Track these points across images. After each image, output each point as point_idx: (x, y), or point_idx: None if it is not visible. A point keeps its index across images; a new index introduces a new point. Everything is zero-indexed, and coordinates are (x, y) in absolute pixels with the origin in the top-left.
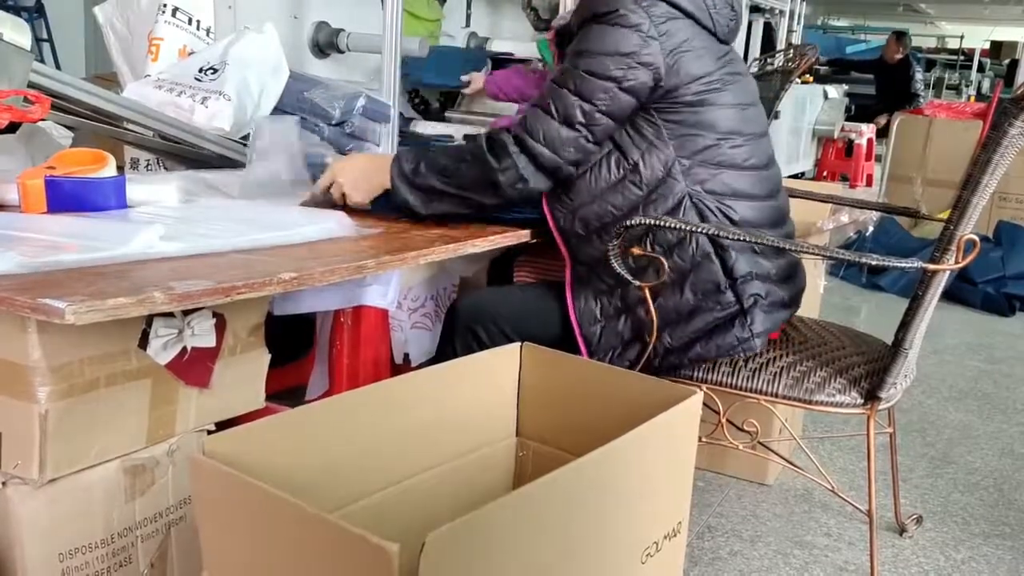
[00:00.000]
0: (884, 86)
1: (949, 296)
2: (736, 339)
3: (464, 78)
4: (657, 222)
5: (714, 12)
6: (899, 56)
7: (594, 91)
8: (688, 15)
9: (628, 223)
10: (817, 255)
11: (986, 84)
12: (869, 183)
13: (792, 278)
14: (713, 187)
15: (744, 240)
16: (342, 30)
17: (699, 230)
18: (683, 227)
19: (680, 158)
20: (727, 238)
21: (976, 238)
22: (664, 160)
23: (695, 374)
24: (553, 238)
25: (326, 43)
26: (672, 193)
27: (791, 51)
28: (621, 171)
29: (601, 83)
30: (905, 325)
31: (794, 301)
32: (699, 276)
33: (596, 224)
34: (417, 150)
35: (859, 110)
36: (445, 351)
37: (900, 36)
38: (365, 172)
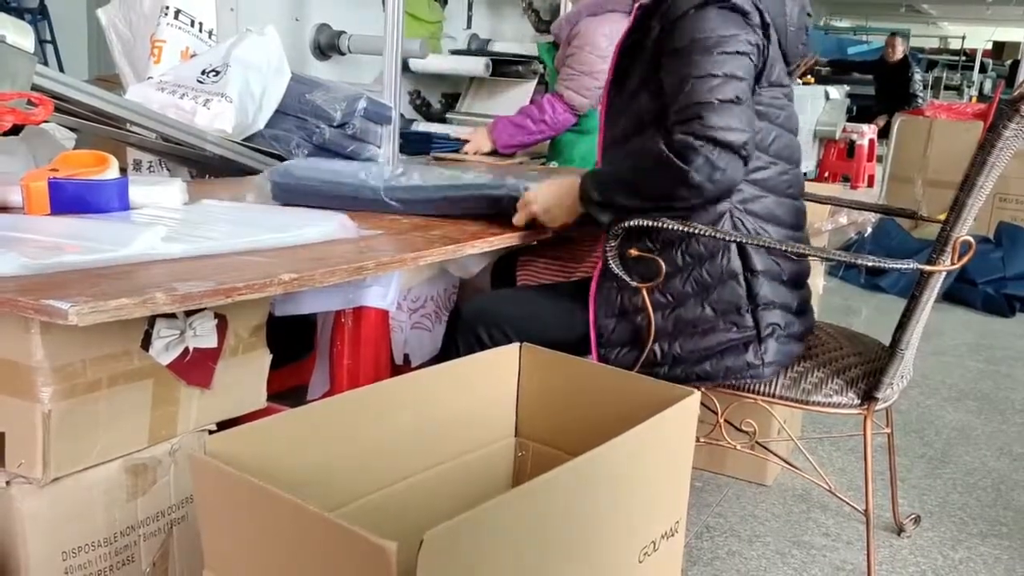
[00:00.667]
0: (884, 87)
1: (949, 297)
2: (747, 364)
3: (467, 148)
4: (657, 223)
5: (790, 31)
6: (898, 57)
7: (737, 67)
8: (773, 26)
9: (627, 224)
10: (816, 256)
11: (988, 85)
12: (871, 184)
13: (805, 313)
14: (755, 208)
15: (739, 241)
16: (343, 32)
17: (697, 232)
18: (680, 229)
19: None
20: (723, 239)
21: (971, 239)
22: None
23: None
24: (556, 240)
25: (327, 45)
26: (714, 208)
27: None
28: None
29: (739, 59)
30: (902, 326)
31: (805, 335)
32: (722, 294)
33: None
34: (597, 172)
35: (860, 111)
36: (449, 353)
37: (899, 36)
38: (557, 198)
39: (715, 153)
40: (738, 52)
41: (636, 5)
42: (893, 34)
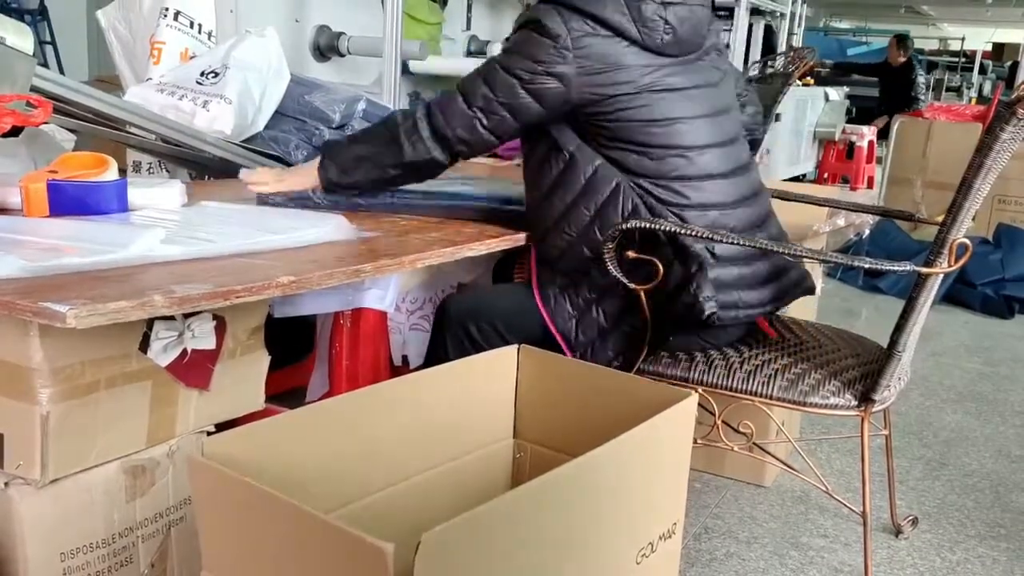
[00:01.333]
0: (887, 89)
1: (949, 298)
2: (684, 305)
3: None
4: (652, 225)
5: (641, 27)
6: (902, 60)
7: (498, 83)
8: (615, 30)
9: (624, 225)
10: (812, 259)
11: (988, 86)
12: (870, 185)
13: (774, 281)
14: (665, 197)
15: (739, 244)
16: (343, 33)
17: (700, 235)
18: (682, 231)
19: (628, 173)
20: (722, 241)
21: (968, 242)
22: (602, 169)
23: (691, 375)
24: None
25: (327, 46)
26: (606, 186)
27: (791, 54)
28: (557, 165)
29: (506, 78)
30: (899, 328)
31: (778, 298)
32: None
33: (548, 223)
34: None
35: (860, 112)
36: (437, 349)
37: (902, 40)
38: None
39: (424, 124)
40: (515, 75)
41: None
42: (896, 37)
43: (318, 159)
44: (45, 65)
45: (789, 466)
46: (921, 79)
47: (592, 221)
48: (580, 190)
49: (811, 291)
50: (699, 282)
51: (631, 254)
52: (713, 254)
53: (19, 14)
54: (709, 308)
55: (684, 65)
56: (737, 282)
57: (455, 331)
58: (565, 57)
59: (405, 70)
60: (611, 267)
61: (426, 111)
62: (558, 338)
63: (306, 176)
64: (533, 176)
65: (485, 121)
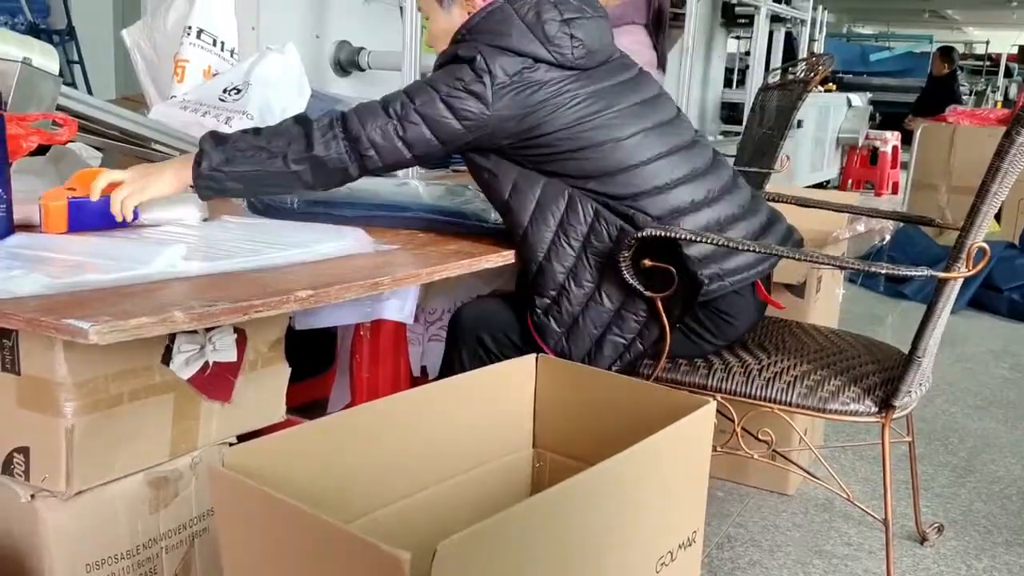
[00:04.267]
0: (928, 99)
1: (975, 303)
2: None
3: None
4: (670, 234)
5: (551, 47)
6: (946, 71)
7: (418, 91)
8: (527, 56)
9: (640, 234)
10: (830, 265)
11: (1013, 89)
12: (895, 191)
13: (761, 238)
14: (616, 191)
15: (751, 250)
16: (363, 48)
17: (714, 241)
18: (691, 238)
19: (572, 179)
20: (737, 248)
21: (986, 246)
22: (549, 186)
23: (710, 383)
24: None
25: (347, 61)
26: (576, 212)
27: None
28: (502, 193)
29: (426, 87)
30: (919, 334)
31: (763, 260)
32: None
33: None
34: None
35: (885, 118)
36: (452, 360)
37: (947, 52)
38: (157, 175)
39: (338, 126)
40: (434, 87)
41: None
42: (941, 49)
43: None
44: (73, 84)
45: (811, 474)
46: (964, 88)
47: (556, 236)
48: (533, 211)
49: (800, 244)
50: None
51: (647, 262)
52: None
53: (48, 35)
54: (702, 277)
55: (600, 72)
56: (712, 254)
57: (469, 342)
58: (484, 80)
59: None
60: (627, 275)
61: (342, 114)
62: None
63: (175, 174)
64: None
65: (400, 129)
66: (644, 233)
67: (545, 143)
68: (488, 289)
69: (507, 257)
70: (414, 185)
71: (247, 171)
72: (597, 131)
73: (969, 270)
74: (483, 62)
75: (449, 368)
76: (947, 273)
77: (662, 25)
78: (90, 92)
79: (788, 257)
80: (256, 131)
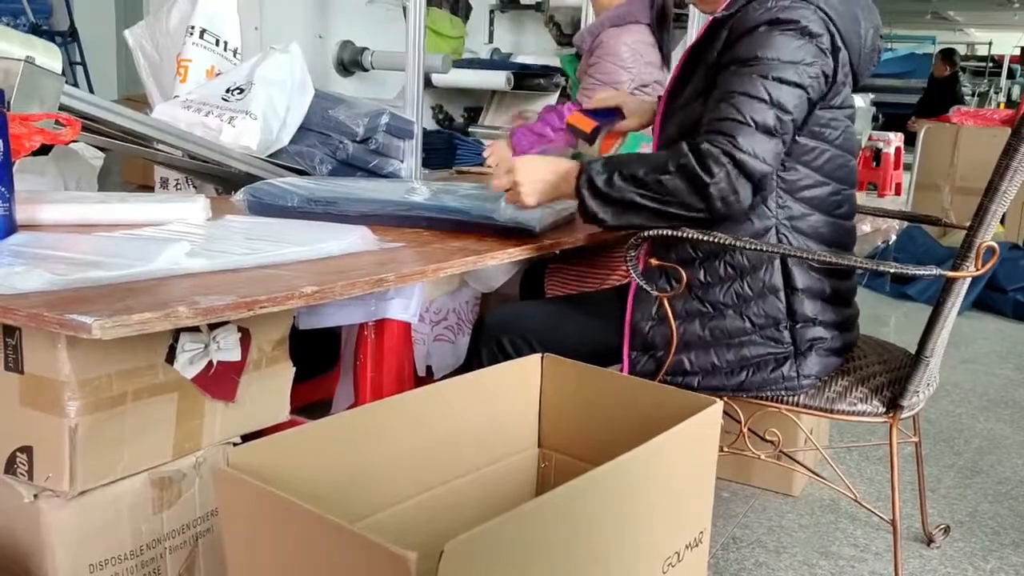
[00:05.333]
0: (929, 100)
1: (980, 304)
2: (783, 376)
3: (485, 153)
4: (679, 234)
5: (864, 53)
6: (947, 73)
7: (788, 99)
8: (847, 48)
9: (647, 233)
10: (836, 264)
11: (1016, 91)
12: (898, 192)
13: (850, 330)
14: (801, 226)
15: (763, 251)
16: (366, 48)
17: (722, 241)
18: (703, 239)
19: (780, 189)
20: (747, 248)
21: (995, 245)
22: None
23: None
24: (580, 249)
25: (350, 61)
26: (761, 221)
27: None
28: None
29: (794, 90)
30: (926, 334)
31: (847, 349)
32: (761, 307)
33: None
34: (607, 161)
35: (888, 119)
36: (472, 364)
37: (948, 54)
38: (549, 180)
39: (734, 173)
40: (796, 83)
41: (710, 17)
42: (942, 52)
43: (574, 175)
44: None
45: (817, 474)
46: (966, 89)
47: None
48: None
49: None
50: (806, 360)
51: (654, 262)
52: None
53: (50, 36)
54: (807, 387)
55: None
56: None
57: (489, 344)
58: (827, 57)
59: (428, 84)
60: (634, 275)
61: (727, 156)
62: (626, 330)
63: (564, 194)
64: None
65: (784, 143)
66: (651, 232)
67: (806, 131)
68: (494, 287)
69: (512, 255)
70: (418, 185)
71: (637, 224)
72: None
73: (978, 269)
74: (828, 38)
75: (469, 370)
76: (956, 272)
77: (666, 24)
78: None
79: (794, 256)
80: (640, 184)
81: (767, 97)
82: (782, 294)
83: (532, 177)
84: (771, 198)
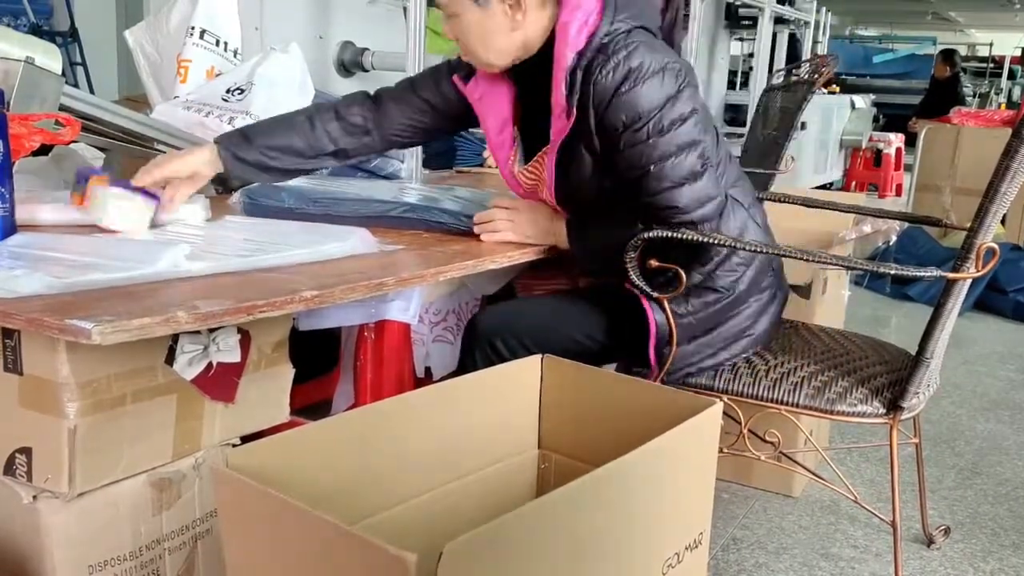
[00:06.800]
0: (930, 101)
1: (980, 305)
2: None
3: (489, 159)
4: (679, 235)
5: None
6: (948, 74)
7: (692, 132)
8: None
9: (646, 234)
10: (837, 266)
11: (1017, 91)
12: (899, 193)
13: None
14: (756, 215)
15: (761, 251)
16: (367, 49)
17: (722, 242)
18: (704, 239)
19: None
20: (744, 248)
21: (995, 246)
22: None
23: (716, 384)
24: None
25: (351, 62)
26: (736, 217)
27: (815, 61)
28: None
29: (690, 121)
30: (927, 335)
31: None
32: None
33: None
34: (583, 242)
35: (889, 120)
36: (465, 364)
37: (948, 55)
38: (541, 226)
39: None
40: (688, 114)
41: (560, 73)
42: (943, 52)
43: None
44: (76, 86)
45: (817, 476)
46: (967, 90)
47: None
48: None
49: None
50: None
51: (653, 263)
52: None
53: (51, 36)
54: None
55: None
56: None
57: (483, 346)
58: (685, 72)
59: None
60: (634, 276)
61: (686, 226)
62: (651, 327)
63: (556, 239)
64: None
65: (715, 169)
66: (650, 234)
67: None
68: (492, 289)
69: (512, 258)
70: (413, 186)
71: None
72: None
73: (978, 270)
74: (675, 61)
75: (462, 371)
76: (956, 273)
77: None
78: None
79: (795, 257)
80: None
81: (674, 149)
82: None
83: (525, 219)
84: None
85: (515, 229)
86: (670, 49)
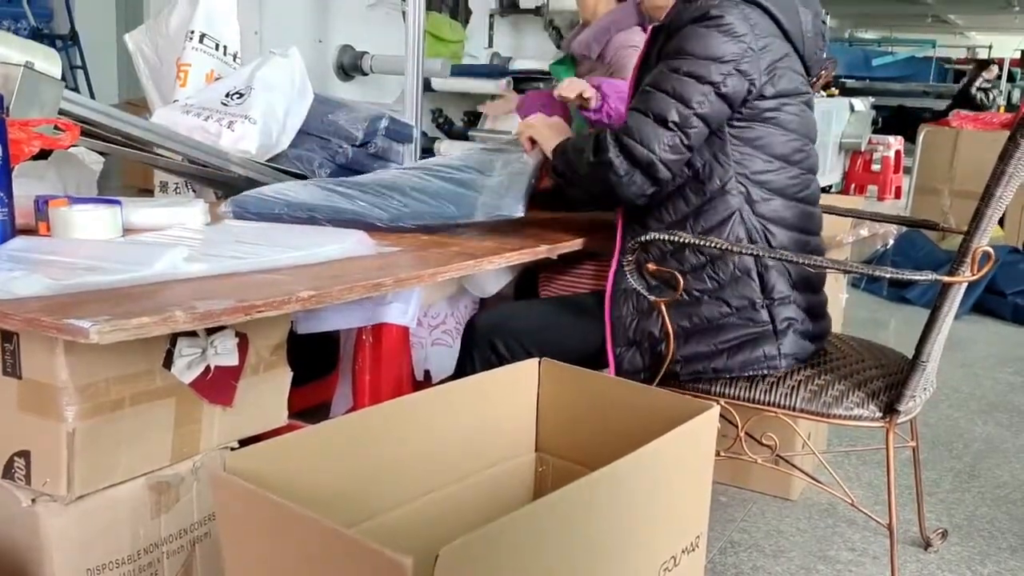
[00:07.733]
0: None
1: (979, 308)
2: (764, 355)
3: (488, 108)
4: (674, 238)
5: (807, 38)
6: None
7: (692, 93)
8: (786, 36)
9: (643, 238)
10: (834, 269)
11: (1016, 94)
12: (898, 195)
13: (822, 318)
14: (762, 210)
15: (759, 255)
16: (366, 53)
17: (720, 247)
18: (702, 243)
19: (739, 176)
20: (741, 252)
21: (991, 250)
22: (723, 175)
23: (713, 388)
24: (578, 254)
25: (350, 65)
26: (725, 207)
27: None
28: (681, 177)
29: (700, 86)
30: (923, 338)
31: (820, 337)
32: (736, 290)
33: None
34: (570, 138)
35: (887, 123)
36: (464, 366)
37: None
38: (552, 128)
39: (619, 159)
40: (706, 80)
41: (651, 26)
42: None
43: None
44: (76, 89)
45: (815, 479)
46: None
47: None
48: (694, 209)
49: None
50: (784, 338)
51: (652, 267)
52: None
53: (51, 40)
54: (784, 368)
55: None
56: None
57: (482, 348)
58: (751, 55)
59: (427, 87)
60: (632, 280)
61: (616, 143)
62: (607, 327)
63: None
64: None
65: (685, 138)
66: (647, 237)
67: (751, 130)
68: (491, 291)
69: (510, 258)
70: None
71: (576, 196)
72: (792, 146)
73: (974, 274)
74: (752, 37)
75: (461, 373)
76: (952, 277)
77: None
78: (93, 97)
79: (792, 261)
80: (568, 161)
81: (670, 90)
82: (755, 273)
83: (542, 128)
84: (730, 184)
85: (535, 132)
86: (770, 34)
